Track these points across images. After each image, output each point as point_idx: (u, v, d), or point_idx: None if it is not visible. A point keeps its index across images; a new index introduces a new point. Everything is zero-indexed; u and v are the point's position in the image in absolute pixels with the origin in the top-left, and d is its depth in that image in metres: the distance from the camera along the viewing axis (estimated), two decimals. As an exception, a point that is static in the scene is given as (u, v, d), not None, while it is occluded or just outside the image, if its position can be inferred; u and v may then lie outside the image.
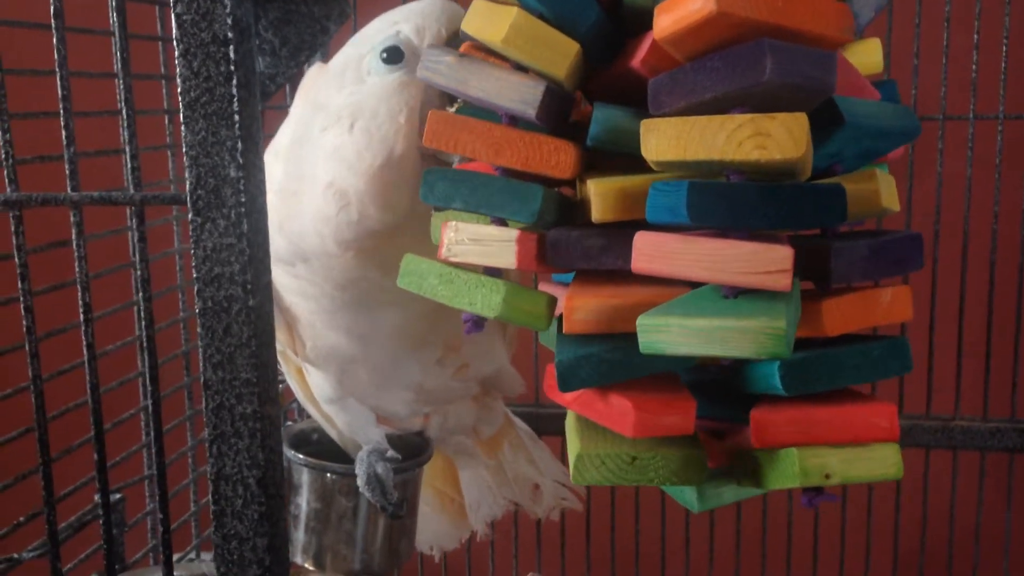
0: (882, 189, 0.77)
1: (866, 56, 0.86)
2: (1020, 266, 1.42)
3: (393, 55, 0.92)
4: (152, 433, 0.70)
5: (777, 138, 0.63)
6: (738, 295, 0.67)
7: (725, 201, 0.65)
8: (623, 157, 0.79)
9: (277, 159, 0.97)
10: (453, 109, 0.86)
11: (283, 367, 1.15)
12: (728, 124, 0.64)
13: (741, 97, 0.65)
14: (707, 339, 0.65)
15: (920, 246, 0.74)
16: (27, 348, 0.70)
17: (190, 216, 0.63)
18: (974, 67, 1.40)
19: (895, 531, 1.50)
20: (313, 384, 1.15)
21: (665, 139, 0.67)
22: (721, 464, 0.81)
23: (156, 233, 1.20)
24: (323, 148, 0.92)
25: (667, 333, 0.66)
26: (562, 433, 1.50)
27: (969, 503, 1.47)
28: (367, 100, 0.91)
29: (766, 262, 0.64)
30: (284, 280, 1.02)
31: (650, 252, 0.67)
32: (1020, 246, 1.41)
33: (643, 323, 0.66)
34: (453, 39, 0.93)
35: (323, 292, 1.00)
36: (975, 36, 1.40)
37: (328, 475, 1.15)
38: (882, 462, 0.72)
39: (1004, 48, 1.39)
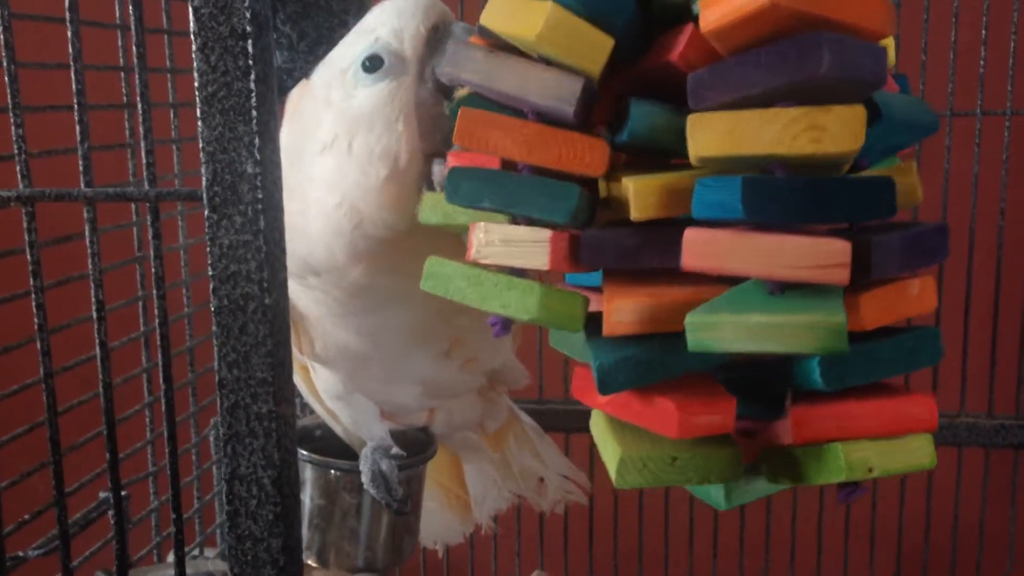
0: (917, 182, 0.78)
1: None
2: (1026, 263, 1.42)
3: (374, 63, 0.90)
4: (166, 431, 0.70)
5: (833, 131, 0.63)
6: (784, 290, 0.67)
7: (778, 196, 0.64)
8: (643, 154, 0.78)
9: None
10: (453, 103, 0.85)
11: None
12: (781, 117, 0.64)
13: (791, 91, 0.64)
14: (762, 336, 0.64)
15: (946, 236, 0.74)
16: (39, 347, 0.68)
17: (206, 213, 0.62)
18: (981, 63, 1.40)
19: (899, 528, 1.50)
20: (319, 380, 1.14)
21: (715, 134, 0.66)
22: (749, 461, 0.80)
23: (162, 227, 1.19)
24: (324, 169, 0.91)
25: (719, 331, 0.65)
26: (565, 429, 1.50)
27: (973, 500, 1.47)
28: (360, 115, 0.90)
29: (824, 256, 0.64)
30: (294, 288, 1.01)
31: (700, 249, 0.66)
32: (1026, 243, 1.41)
33: (692, 321, 0.66)
34: (434, 32, 0.92)
35: (334, 299, 1.00)
36: (983, 32, 1.39)
37: (332, 472, 1.15)
38: (916, 452, 0.72)
39: (1012, 44, 1.39)
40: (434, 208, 0.85)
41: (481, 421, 1.27)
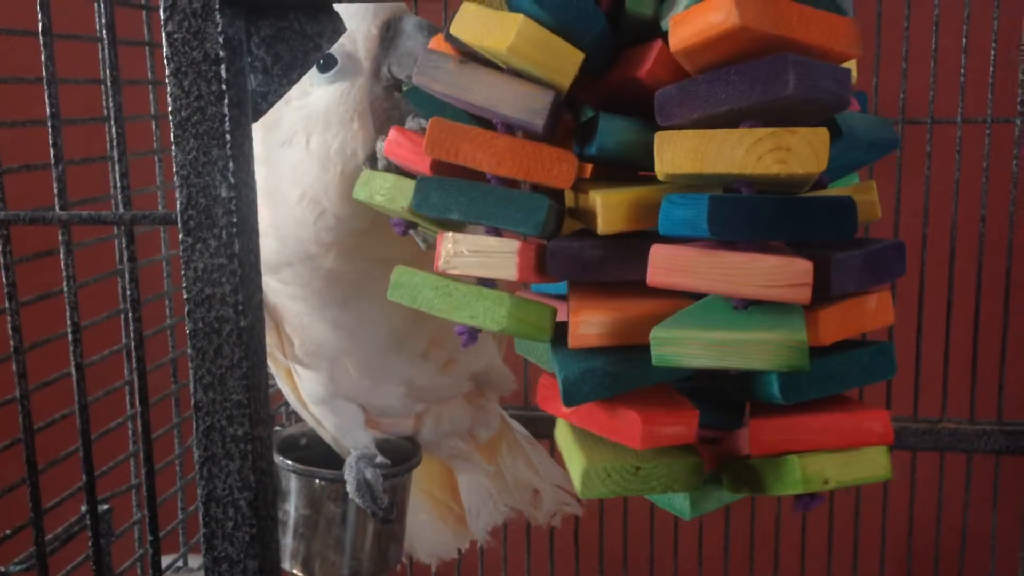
0: (877, 200, 0.79)
1: None
2: (1007, 269, 1.42)
3: (328, 62, 0.92)
4: (142, 451, 0.70)
5: (798, 152, 0.63)
6: (748, 307, 0.67)
7: (744, 214, 0.65)
8: (609, 165, 0.78)
9: None
10: (400, 95, 0.85)
11: (272, 369, 1.15)
12: (747, 138, 0.64)
13: (757, 110, 0.65)
14: (726, 352, 0.65)
15: (903, 254, 0.75)
16: (15, 368, 0.68)
17: (180, 236, 0.62)
18: (962, 71, 1.40)
19: (882, 533, 1.51)
20: (303, 385, 1.14)
21: (681, 152, 0.67)
22: (711, 469, 0.81)
23: (142, 238, 1.18)
24: (286, 163, 0.93)
25: (684, 346, 0.66)
26: (551, 436, 1.49)
27: (956, 505, 1.48)
28: (316, 113, 0.92)
29: (788, 275, 0.64)
30: (273, 284, 1.01)
31: (667, 265, 0.67)
32: (1007, 249, 1.41)
33: (657, 336, 0.66)
34: (385, 30, 0.92)
35: (312, 291, 1.01)
36: (963, 40, 1.40)
37: (317, 481, 1.15)
38: (872, 464, 0.73)
39: (992, 52, 1.39)
40: (364, 185, 0.86)
41: (472, 430, 1.27)
